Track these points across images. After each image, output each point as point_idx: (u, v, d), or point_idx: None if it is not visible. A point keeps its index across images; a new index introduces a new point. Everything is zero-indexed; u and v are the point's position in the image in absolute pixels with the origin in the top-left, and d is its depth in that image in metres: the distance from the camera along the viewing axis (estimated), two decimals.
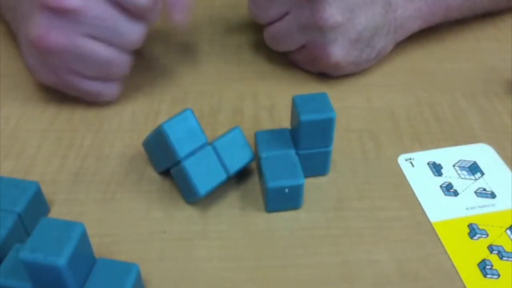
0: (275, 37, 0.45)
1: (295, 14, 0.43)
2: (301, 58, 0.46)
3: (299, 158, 0.36)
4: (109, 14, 0.38)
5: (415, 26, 0.47)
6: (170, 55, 0.50)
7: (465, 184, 0.37)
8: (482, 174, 0.38)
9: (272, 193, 0.35)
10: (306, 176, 0.36)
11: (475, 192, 0.37)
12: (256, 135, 0.38)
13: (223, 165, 0.35)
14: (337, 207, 0.36)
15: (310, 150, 0.36)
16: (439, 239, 0.34)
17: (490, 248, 0.33)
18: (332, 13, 0.41)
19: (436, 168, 0.39)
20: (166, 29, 0.53)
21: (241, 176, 0.38)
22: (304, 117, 0.34)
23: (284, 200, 0.35)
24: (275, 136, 0.37)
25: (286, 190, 0.34)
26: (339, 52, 0.43)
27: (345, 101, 0.44)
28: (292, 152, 0.36)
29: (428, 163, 0.39)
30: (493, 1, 0.52)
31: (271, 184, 0.34)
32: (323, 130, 0.35)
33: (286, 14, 0.43)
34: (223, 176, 0.35)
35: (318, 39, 0.43)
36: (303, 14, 0.42)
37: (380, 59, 0.48)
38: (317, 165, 0.37)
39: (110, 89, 0.42)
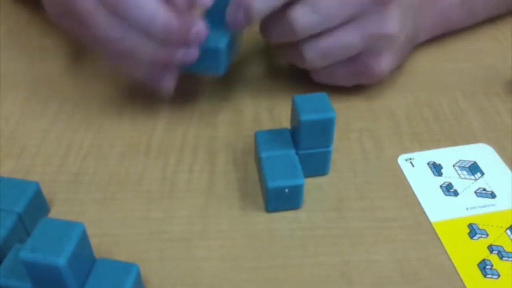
0: (330, 48, 0.40)
1: (361, 21, 0.39)
2: (345, 71, 0.42)
3: (299, 158, 0.36)
4: None
5: (424, 39, 0.48)
6: None
7: (465, 184, 0.37)
8: (482, 174, 0.38)
9: (272, 193, 0.35)
10: (306, 176, 0.36)
11: (475, 192, 0.37)
12: (256, 135, 0.38)
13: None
14: (337, 207, 0.36)
15: (310, 150, 0.36)
16: (439, 239, 0.34)
17: (490, 248, 0.33)
18: (397, 22, 0.39)
19: (436, 168, 0.39)
20: None
21: (241, 176, 0.38)
22: (304, 117, 0.34)
23: (284, 200, 0.35)
24: (275, 136, 0.37)
25: (286, 190, 0.34)
26: (389, 62, 0.42)
27: (345, 101, 0.44)
28: (292, 152, 0.36)
29: (428, 163, 0.39)
30: (493, 12, 0.52)
31: (271, 184, 0.34)
32: (323, 130, 0.35)
33: (347, 22, 0.39)
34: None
35: (375, 49, 0.41)
36: (371, 23, 0.39)
37: None
38: (317, 165, 0.37)
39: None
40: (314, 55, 0.40)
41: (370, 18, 0.39)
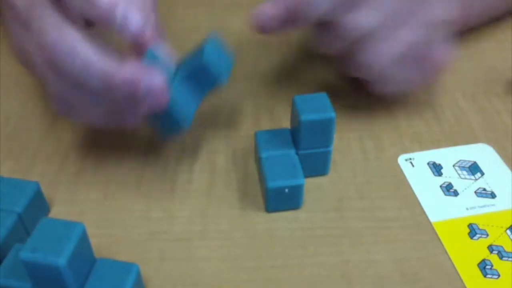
0: (402, 52, 0.37)
1: (413, 16, 0.36)
2: (406, 72, 0.39)
3: (299, 158, 0.36)
4: None
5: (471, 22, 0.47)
6: None
7: (465, 184, 0.37)
8: (482, 174, 0.38)
9: (272, 193, 0.35)
10: (306, 176, 0.36)
11: (475, 192, 0.37)
12: (256, 135, 0.38)
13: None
14: (337, 207, 0.36)
15: (310, 150, 0.36)
16: (439, 239, 0.34)
17: (490, 248, 0.33)
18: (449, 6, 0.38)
19: (436, 168, 0.39)
20: (166, 29, 0.53)
21: (241, 176, 0.38)
22: (304, 117, 0.34)
23: (284, 200, 0.35)
24: (275, 136, 0.37)
25: (286, 190, 0.34)
26: (449, 48, 0.39)
27: (345, 101, 0.44)
28: (292, 152, 0.36)
29: (428, 163, 0.39)
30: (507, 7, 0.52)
31: (271, 184, 0.34)
32: (323, 130, 0.35)
33: (397, 16, 0.36)
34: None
35: (435, 37, 0.38)
36: (422, 12, 0.37)
37: None
38: (317, 165, 0.37)
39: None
40: (373, 58, 0.37)
41: (426, 7, 0.37)
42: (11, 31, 0.35)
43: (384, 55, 0.37)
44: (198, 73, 0.35)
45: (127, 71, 0.31)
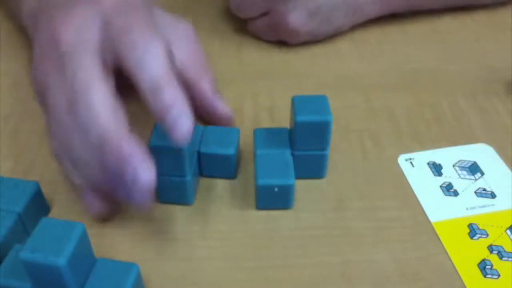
0: (241, 4, 0.48)
1: None
2: (261, 25, 0.49)
3: (295, 159, 0.36)
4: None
5: (374, 11, 0.50)
6: None
7: (465, 184, 0.37)
8: (482, 174, 0.38)
9: (261, 191, 0.35)
10: (302, 178, 0.36)
11: (475, 192, 0.37)
12: (255, 132, 0.38)
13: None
14: (337, 207, 0.36)
15: (305, 151, 0.36)
16: (439, 239, 0.34)
17: (490, 248, 0.33)
18: None
19: (436, 168, 0.39)
20: None
21: (241, 176, 0.38)
22: (300, 118, 0.34)
23: (274, 199, 0.35)
24: (273, 134, 0.37)
25: (276, 189, 0.34)
26: (297, 20, 0.46)
27: (345, 101, 0.44)
28: (287, 151, 0.36)
29: (428, 163, 0.39)
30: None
31: (261, 181, 0.34)
32: (318, 132, 0.35)
33: None
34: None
35: (279, 7, 0.46)
36: None
37: (379, 59, 0.48)
38: (313, 167, 0.37)
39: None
40: (232, 6, 0.49)
41: None
42: (39, 57, 0.34)
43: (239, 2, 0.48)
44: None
45: (124, 145, 0.30)
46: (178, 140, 0.30)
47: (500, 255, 0.33)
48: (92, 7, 0.33)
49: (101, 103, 0.31)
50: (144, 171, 0.29)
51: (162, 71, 0.31)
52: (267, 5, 0.47)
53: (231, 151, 0.36)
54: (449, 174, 0.38)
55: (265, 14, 0.48)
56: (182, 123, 0.30)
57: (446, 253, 0.33)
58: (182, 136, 0.29)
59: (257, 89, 0.46)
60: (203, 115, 0.40)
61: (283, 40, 0.49)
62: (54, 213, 0.36)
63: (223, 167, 0.37)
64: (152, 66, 0.31)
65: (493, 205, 0.36)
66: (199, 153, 0.37)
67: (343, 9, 0.48)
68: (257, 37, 0.50)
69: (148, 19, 0.33)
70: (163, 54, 0.31)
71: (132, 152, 0.30)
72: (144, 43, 0.31)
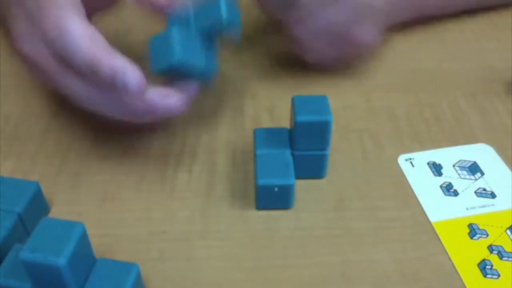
0: (321, 26, 0.42)
1: None
2: (332, 47, 0.44)
3: (295, 159, 0.36)
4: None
5: (398, 18, 0.49)
6: None
7: (465, 184, 0.37)
8: (482, 174, 0.38)
9: (261, 191, 0.35)
10: (302, 178, 0.36)
11: (475, 192, 0.37)
12: (255, 132, 0.38)
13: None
14: (337, 207, 0.36)
15: (305, 151, 0.36)
16: (439, 239, 0.34)
17: (490, 248, 0.33)
18: None
19: (436, 168, 0.39)
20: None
21: (241, 176, 0.38)
22: (300, 118, 0.34)
23: (274, 199, 0.35)
24: (273, 134, 0.37)
25: (276, 189, 0.34)
26: (373, 33, 0.44)
27: (345, 101, 0.44)
28: (287, 151, 0.36)
29: (428, 163, 0.39)
30: (473, 3, 0.53)
31: (261, 181, 0.34)
32: (318, 132, 0.35)
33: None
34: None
35: (362, 20, 0.42)
36: None
37: (379, 59, 0.48)
38: (313, 167, 0.37)
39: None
40: (310, 32, 0.42)
41: None
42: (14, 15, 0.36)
43: (309, 29, 0.41)
44: (214, 26, 0.37)
45: (110, 62, 0.33)
46: (134, 94, 0.33)
47: (500, 255, 0.33)
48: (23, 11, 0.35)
49: (79, 33, 0.33)
50: (131, 73, 0.32)
51: (87, 47, 0.33)
52: (355, 19, 0.42)
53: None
54: (449, 174, 0.38)
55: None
56: (130, 81, 0.32)
57: (446, 253, 0.33)
58: (137, 89, 0.33)
59: (257, 89, 0.46)
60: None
61: (343, 56, 0.46)
62: (54, 213, 0.36)
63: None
64: (76, 48, 0.33)
65: (493, 205, 0.36)
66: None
67: (389, 11, 0.45)
68: (258, 36, 0.50)
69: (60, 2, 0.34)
70: (81, 31, 0.33)
71: (113, 63, 0.32)
72: (59, 28, 0.33)
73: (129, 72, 0.32)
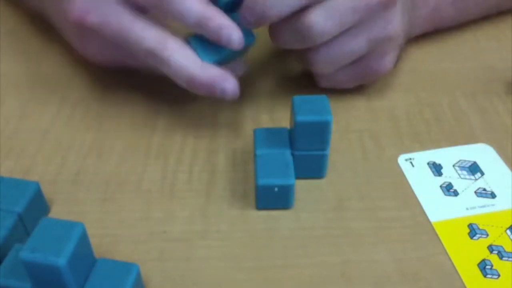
0: (336, 54, 0.40)
1: (365, 27, 0.39)
2: (344, 77, 0.43)
3: (295, 159, 0.36)
4: None
5: (416, 33, 0.48)
6: None
7: (465, 184, 0.37)
8: (482, 174, 0.38)
9: (261, 191, 0.35)
10: (302, 178, 0.36)
11: (475, 192, 0.37)
12: (255, 132, 0.38)
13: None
14: (337, 207, 0.36)
15: (305, 152, 0.36)
16: (439, 239, 0.34)
17: (490, 248, 0.33)
18: (399, 23, 0.40)
19: (436, 168, 0.39)
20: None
21: (241, 176, 0.38)
22: (300, 118, 0.34)
23: (274, 199, 0.35)
24: (273, 134, 0.37)
25: (276, 189, 0.34)
26: (391, 61, 0.42)
27: (345, 101, 0.44)
28: (287, 152, 0.36)
29: (428, 163, 0.39)
30: (484, 12, 0.52)
31: (261, 181, 0.34)
32: (318, 132, 0.35)
33: (351, 27, 0.39)
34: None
35: (379, 51, 0.41)
36: (376, 27, 0.39)
37: None
38: (313, 167, 0.37)
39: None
40: (323, 61, 0.40)
41: (376, 22, 0.39)
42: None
43: (321, 56, 0.40)
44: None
45: (215, 21, 0.36)
46: (235, 46, 0.36)
47: (500, 255, 0.33)
48: None
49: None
50: (236, 32, 0.36)
51: (199, 9, 0.36)
52: (366, 51, 0.40)
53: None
54: (449, 174, 0.38)
55: (354, 61, 0.41)
56: (233, 37, 0.36)
57: (446, 253, 0.33)
58: (238, 44, 0.36)
59: (257, 89, 0.46)
60: None
61: (361, 83, 0.44)
62: (54, 213, 0.36)
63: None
64: (189, 9, 0.36)
65: (493, 205, 0.36)
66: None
67: (407, 32, 0.43)
68: (258, 36, 0.50)
69: None
70: None
71: (222, 20, 0.36)
72: None
73: (235, 32, 0.36)
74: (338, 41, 0.39)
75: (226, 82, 0.37)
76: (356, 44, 0.39)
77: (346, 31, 0.38)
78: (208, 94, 0.37)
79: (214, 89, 0.37)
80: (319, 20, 0.37)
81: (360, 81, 0.44)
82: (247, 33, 0.38)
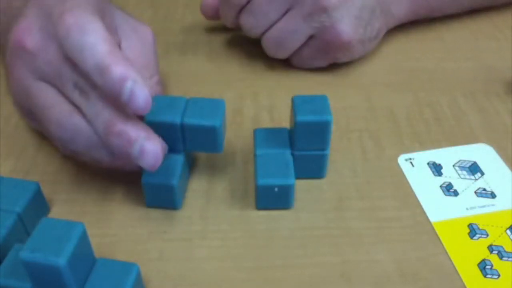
0: (280, 38, 0.44)
1: (298, 6, 0.42)
2: (309, 52, 0.45)
3: (295, 159, 0.36)
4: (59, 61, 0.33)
5: (401, 13, 0.49)
6: (169, 55, 0.50)
7: (465, 184, 0.37)
8: (482, 174, 0.38)
9: (261, 191, 0.35)
10: (302, 178, 0.36)
11: (475, 192, 0.37)
12: (255, 132, 0.38)
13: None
14: (337, 207, 0.36)
15: (305, 152, 0.36)
16: (439, 239, 0.34)
17: (490, 248, 0.33)
18: None
19: (436, 168, 0.39)
20: (166, 29, 0.53)
21: (241, 176, 0.38)
22: (300, 118, 0.34)
23: (274, 199, 0.35)
24: (273, 134, 0.37)
25: (276, 189, 0.34)
26: (347, 29, 0.43)
27: (345, 101, 0.44)
28: (287, 152, 0.36)
29: (428, 163, 0.39)
30: (478, 3, 0.53)
31: (261, 181, 0.34)
32: (318, 132, 0.35)
33: (287, 11, 0.43)
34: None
35: (326, 23, 0.43)
36: (306, 4, 0.42)
37: (379, 58, 0.48)
38: (313, 167, 0.37)
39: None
40: (270, 45, 0.45)
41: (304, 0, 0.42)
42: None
43: (273, 41, 0.45)
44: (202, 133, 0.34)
45: (119, 68, 0.30)
46: (139, 111, 0.30)
47: (500, 255, 0.33)
48: (39, 7, 0.34)
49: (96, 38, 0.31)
50: (141, 85, 0.30)
51: (105, 49, 0.30)
52: (311, 26, 0.43)
53: (216, 122, 0.34)
54: (449, 174, 0.38)
55: (309, 38, 0.44)
56: (139, 92, 0.29)
57: (446, 253, 0.33)
58: (143, 106, 0.29)
59: (257, 89, 0.46)
60: None
61: (335, 61, 0.46)
62: (54, 213, 0.36)
63: (207, 140, 0.35)
64: (92, 46, 0.30)
65: (493, 205, 0.36)
66: (182, 126, 0.34)
67: (378, 10, 0.45)
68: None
69: (85, 5, 0.32)
70: (103, 35, 0.30)
71: (127, 70, 0.30)
72: (80, 26, 0.30)
73: (140, 84, 0.29)
74: (277, 26, 0.44)
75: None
76: (295, 24, 0.43)
77: (282, 16, 0.43)
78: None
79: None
80: (245, 21, 0.45)
81: (328, 57, 0.46)
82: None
